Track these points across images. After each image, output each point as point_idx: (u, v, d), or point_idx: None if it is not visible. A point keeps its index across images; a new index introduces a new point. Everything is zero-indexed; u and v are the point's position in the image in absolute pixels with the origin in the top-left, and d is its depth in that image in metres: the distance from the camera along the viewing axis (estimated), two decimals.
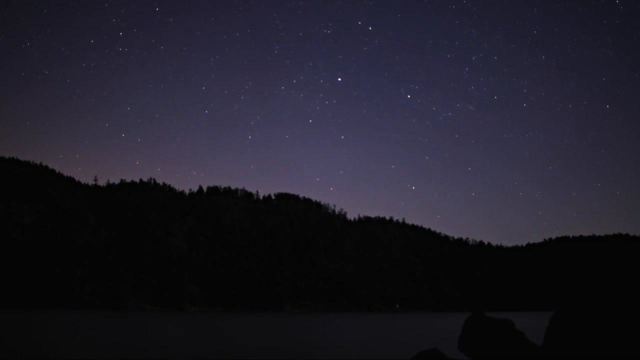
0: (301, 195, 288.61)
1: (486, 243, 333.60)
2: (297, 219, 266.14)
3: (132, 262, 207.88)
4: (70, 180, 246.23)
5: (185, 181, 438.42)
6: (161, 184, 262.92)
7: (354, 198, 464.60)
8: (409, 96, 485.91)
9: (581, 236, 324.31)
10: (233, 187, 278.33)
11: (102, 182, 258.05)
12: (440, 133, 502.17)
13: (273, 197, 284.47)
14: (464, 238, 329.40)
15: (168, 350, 38.94)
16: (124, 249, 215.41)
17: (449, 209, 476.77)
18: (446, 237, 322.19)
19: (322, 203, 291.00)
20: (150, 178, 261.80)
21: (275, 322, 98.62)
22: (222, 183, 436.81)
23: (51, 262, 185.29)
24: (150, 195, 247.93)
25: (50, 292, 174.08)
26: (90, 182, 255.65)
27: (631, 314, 11.51)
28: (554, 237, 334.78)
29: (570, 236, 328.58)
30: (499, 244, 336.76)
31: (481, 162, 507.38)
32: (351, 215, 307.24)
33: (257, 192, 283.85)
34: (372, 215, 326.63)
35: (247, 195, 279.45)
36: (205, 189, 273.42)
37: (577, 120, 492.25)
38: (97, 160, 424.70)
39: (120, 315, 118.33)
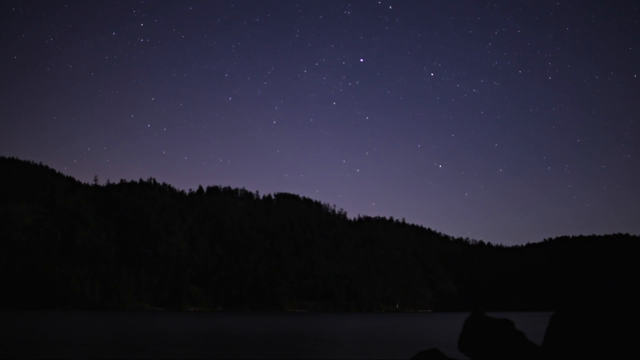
0: (301, 195, 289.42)
1: (486, 243, 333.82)
2: (297, 219, 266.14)
3: (132, 262, 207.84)
4: (70, 180, 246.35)
5: (213, 168, 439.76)
6: (161, 184, 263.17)
7: (380, 177, 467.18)
8: (432, 74, 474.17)
9: (581, 236, 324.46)
10: (233, 187, 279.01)
11: (102, 182, 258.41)
12: (465, 110, 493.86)
13: (273, 197, 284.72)
14: (464, 238, 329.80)
15: (168, 350, 38.91)
16: (124, 249, 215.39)
17: (477, 187, 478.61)
18: (446, 237, 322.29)
19: (322, 203, 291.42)
20: (150, 178, 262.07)
21: (275, 322, 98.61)
22: (250, 168, 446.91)
23: (51, 262, 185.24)
24: (150, 195, 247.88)
25: (50, 292, 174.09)
26: (91, 182, 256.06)
27: (631, 314, 11.51)
28: (554, 237, 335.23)
29: (570, 236, 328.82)
30: (499, 244, 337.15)
31: (508, 137, 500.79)
32: (351, 215, 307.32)
33: (257, 192, 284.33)
34: (372, 215, 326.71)
35: (247, 195, 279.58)
36: (205, 189, 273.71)
37: (603, 92, 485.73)
38: (124, 151, 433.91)
39: (120, 315, 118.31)
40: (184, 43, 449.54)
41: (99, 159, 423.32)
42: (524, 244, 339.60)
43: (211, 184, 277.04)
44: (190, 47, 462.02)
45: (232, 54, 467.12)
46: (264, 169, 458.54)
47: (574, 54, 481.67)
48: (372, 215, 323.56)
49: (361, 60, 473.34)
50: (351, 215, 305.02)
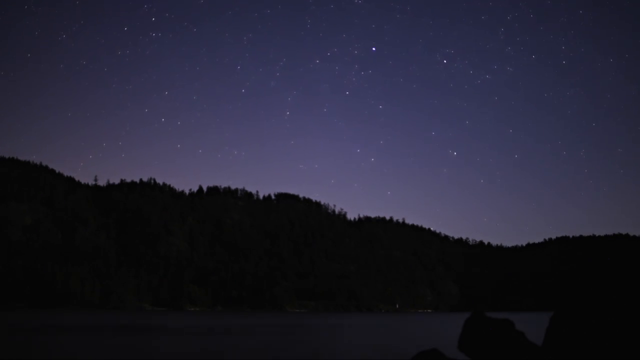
0: (301, 196, 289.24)
1: (486, 243, 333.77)
2: (297, 219, 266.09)
3: (132, 262, 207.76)
4: (70, 180, 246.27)
5: (227, 160, 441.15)
6: (161, 183, 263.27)
7: (395, 166, 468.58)
8: (445, 61, 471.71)
9: (581, 236, 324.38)
10: (233, 187, 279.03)
11: (102, 182, 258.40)
12: (479, 96, 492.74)
13: (273, 197, 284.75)
14: (464, 238, 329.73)
15: (168, 350, 38.93)
16: (124, 249, 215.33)
17: (493, 173, 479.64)
18: (446, 237, 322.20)
19: (322, 203, 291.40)
20: (150, 178, 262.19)
21: (275, 322, 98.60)
22: (264, 160, 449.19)
23: (51, 262, 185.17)
24: (150, 195, 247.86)
25: (50, 292, 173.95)
26: (91, 182, 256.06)
27: (631, 314, 11.52)
28: (554, 237, 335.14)
29: (570, 236, 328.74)
30: (499, 244, 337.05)
31: (522, 123, 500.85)
32: (351, 215, 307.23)
33: (257, 192, 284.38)
34: (373, 215, 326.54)
35: (247, 195, 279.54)
36: (205, 189, 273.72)
37: (618, 75, 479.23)
38: (139, 145, 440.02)
39: (120, 315, 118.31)
40: (195, 36, 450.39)
41: (115, 154, 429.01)
42: (524, 244, 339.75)
43: (211, 184, 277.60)
44: (202, 40, 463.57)
45: (243, 46, 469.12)
46: (278, 160, 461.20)
47: (587, 37, 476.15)
48: (372, 215, 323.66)
49: (373, 49, 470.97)
50: (351, 215, 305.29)
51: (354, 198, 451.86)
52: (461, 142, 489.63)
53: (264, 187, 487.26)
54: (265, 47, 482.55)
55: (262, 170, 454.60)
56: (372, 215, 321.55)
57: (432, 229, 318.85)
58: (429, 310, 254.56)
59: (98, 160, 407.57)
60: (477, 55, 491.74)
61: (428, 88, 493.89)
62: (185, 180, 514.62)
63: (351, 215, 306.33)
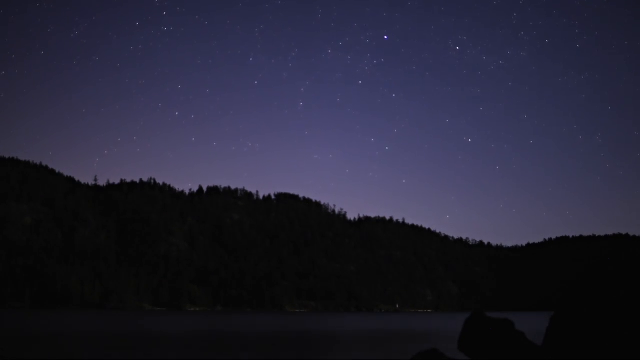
0: (301, 196, 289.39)
1: (486, 243, 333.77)
2: (297, 219, 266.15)
3: (132, 262, 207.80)
4: (70, 180, 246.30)
5: (242, 153, 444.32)
6: (161, 183, 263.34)
7: (411, 156, 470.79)
8: (457, 48, 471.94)
9: (581, 236, 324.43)
10: (233, 187, 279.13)
11: (102, 182, 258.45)
12: (493, 82, 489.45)
13: (273, 197, 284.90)
14: (463, 238, 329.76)
15: (168, 350, 38.94)
16: (124, 249, 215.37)
17: (508, 159, 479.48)
18: (446, 237, 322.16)
19: (322, 203, 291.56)
20: (150, 178, 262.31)
21: (275, 322, 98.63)
22: (273, 153, 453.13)
23: (51, 262, 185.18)
24: (150, 195, 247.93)
25: (50, 292, 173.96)
26: (90, 182, 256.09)
27: (631, 314, 11.52)
28: (554, 237, 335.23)
29: (570, 236, 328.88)
30: (499, 244, 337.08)
31: (537, 108, 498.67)
32: (351, 215, 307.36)
33: (257, 192, 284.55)
34: (372, 215, 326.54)
35: (247, 195, 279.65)
36: (205, 188, 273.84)
37: (633, 57, 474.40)
38: (153, 137, 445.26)
39: (120, 315, 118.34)
40: (207, 29, 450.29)
41: (128, 149, 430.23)
42: (524, 244, 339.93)
43: (211, 184, 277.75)
44: (213, 33, 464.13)
45: (255, 37, 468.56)
46: (292, 151, 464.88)
47: (601, 20, 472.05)
48: (372, 215, 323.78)
49: (385, 37, 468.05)
50: (351, 215, 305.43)
51: (370, 187, 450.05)
52: (476, 128, 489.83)
53: (278, 179, 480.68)
54: (277, 38, 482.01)
55: (276, 163, 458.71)
56: (372, 215, 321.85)
57: (432, 229, 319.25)
58: (429, 310, 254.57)
59: (113, 155, 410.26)
60: (490, 41, 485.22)
61: (441, 75, 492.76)
62: (198, 174, 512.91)
63: (351, 215, 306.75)
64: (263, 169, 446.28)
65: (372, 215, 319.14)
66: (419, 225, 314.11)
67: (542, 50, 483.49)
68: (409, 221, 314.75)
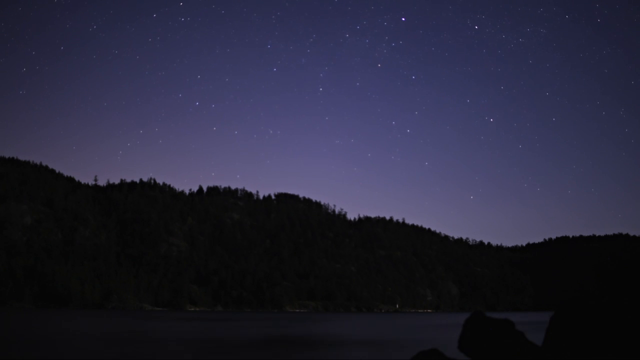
0: (301, 196, 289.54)
1: (486, 243, 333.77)
2: (297, 219, 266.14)
3: (132, 262, 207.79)
4: (70, 180, 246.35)
5: (263, 140, 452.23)
6: (161, 183, 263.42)
7: (432, 138, 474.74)
8: (476, 27, 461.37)
9: (581, 236, 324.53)
10: (233, 187, 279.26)
11: (102, 182, 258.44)
12: (513, 60, 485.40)
13: (273, 197, 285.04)
14: (464, 238, 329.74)
15: (168, 350, 38.93)
16: (124, 249, 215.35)
17: (531, 138, 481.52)
18: (446, 237, 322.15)
19: (323, 203, 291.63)
20: (151, 178, 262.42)
21: (275, 322, 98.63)
22: (299, 138, 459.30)
23: (51, 262, 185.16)
24: (150, 195, 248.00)
25: (50, 292, 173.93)
26: (90, 182, 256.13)
27: (631, 314, 11.51)
28: (554, 237, 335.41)
29: (570, 236, 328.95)
30: (499, 244, 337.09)
31: (559, 85, 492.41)
32: (351, 215, 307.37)
33: (257, 192, 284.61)
34: (373, 215, 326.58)
35: (247, 195, 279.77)
36: (205, 188, 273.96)
37: None
38: (173, 130, 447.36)
39: (120, 315, 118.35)
40: (224, 18, 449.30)
41: (150, 142, 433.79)
42: (524, 244, 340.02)
43: (211, 184, 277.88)
44: (230, 22, 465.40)
45: (272, 24, 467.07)
46: (313, 137, 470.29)
47: None
48: (372, 215, 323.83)
49: (403, 19, 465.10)
50: (351, 215, 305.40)
51: (392, 169, 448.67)
52: (497, 108, 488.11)
53: (301, 166, 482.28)
54: (294, 25, 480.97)
55: (296, 148, 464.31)
56: (372, 215, 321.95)
57: (432, 229, 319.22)
58: (429, 310, 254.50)
59: (135, 146, 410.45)
60: (509, 19, 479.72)
61: (460, 55, 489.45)
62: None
63: (351, 215, 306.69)
64: (284, 154, 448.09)
65: (372, 215, 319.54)
66: (419, 225, 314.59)
67: (562, 26, 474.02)
68: (409, 221, 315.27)
